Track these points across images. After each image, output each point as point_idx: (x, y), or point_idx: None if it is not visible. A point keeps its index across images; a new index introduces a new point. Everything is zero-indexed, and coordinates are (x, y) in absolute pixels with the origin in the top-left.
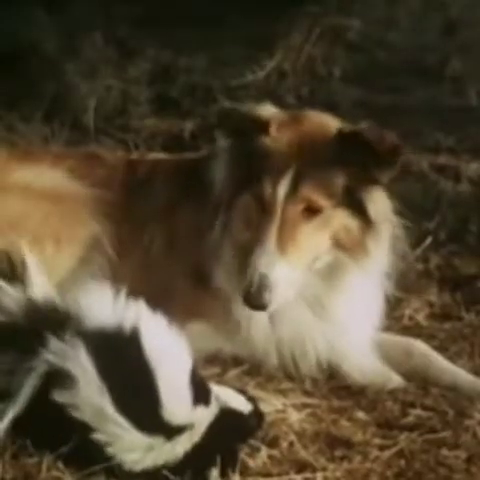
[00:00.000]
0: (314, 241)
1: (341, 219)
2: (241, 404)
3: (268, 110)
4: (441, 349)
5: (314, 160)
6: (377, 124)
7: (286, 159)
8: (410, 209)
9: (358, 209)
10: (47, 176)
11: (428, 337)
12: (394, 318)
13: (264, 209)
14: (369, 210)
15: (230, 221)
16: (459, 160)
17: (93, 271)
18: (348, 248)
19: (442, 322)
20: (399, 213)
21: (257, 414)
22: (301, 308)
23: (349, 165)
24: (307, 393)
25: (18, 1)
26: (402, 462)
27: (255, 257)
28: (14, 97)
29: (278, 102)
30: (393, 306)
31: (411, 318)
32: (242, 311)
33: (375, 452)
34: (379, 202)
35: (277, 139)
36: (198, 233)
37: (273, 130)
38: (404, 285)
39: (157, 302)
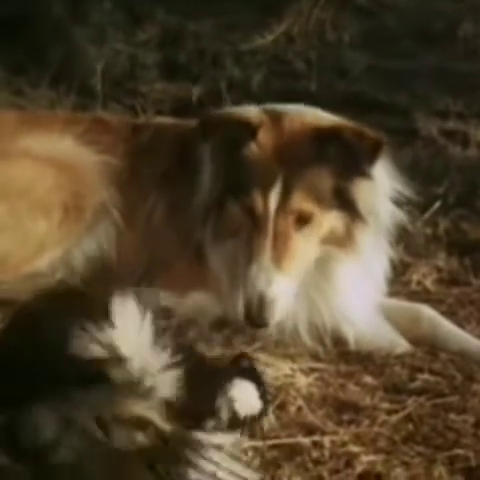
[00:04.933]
0: (306, 249)
1: (331, 221)
2: None
3: (254, 112)
4: (449, 314)
5: (299, 165)
6: (387, 88)
7: (272, 167)
8: (419, 174)
9: (348, 208)
10: (56, 143)
11: (436, 302)
12: (402, 283)
13: (255, 223)
14: (359, 206)
15: (219, 227)
16: (468, 125)
17: (100, 238)
18: (335, 243)
19: (450, 287)
20: (408, 177)
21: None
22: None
23: (333, 164)
24: (315, 358)
25: None
26: (410, 426)
27: (252, 275)
28: (22, 62)
29: (286, 67)
30: (401, 271)
31: (419, 283)
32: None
33: (383, 416)
34: (368, 194)
35: (263, 145)
36: (194, 211)
37: (261, 136)
38: (412, 250)
39: (157, 271)
